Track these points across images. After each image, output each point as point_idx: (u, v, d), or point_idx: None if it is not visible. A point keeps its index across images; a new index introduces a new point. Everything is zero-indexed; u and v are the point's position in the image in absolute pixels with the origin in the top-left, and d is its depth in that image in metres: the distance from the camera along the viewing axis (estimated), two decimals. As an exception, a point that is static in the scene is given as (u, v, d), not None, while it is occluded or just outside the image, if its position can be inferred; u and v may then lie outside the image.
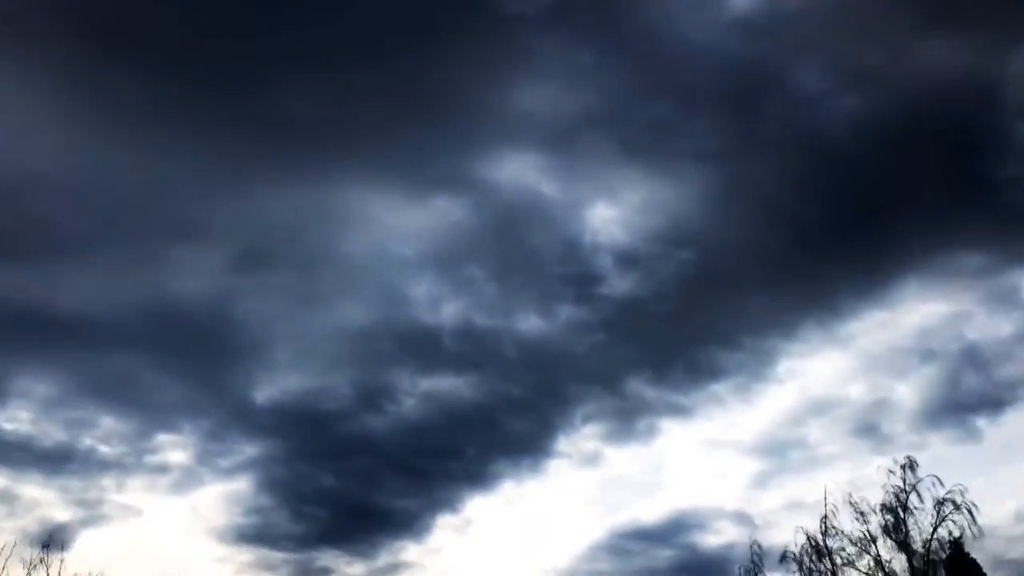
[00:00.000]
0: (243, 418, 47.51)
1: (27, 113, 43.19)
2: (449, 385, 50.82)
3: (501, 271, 52.78)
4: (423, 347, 50.79)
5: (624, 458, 52.95)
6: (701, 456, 53.29)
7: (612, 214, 53.17)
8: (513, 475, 50.76)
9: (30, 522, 36.60)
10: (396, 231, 50.88)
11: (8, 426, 42.13)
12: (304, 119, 47.81)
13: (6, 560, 21.33)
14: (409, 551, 46.86)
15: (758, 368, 50.80)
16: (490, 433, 51.41)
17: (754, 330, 50.89)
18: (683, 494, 52.86)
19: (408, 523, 47.60)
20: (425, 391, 50.12)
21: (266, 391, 48.45)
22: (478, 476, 50.55)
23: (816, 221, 49.02)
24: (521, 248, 52.50)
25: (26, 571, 21.81)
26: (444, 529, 48.63)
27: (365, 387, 49.47)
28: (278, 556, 43.21)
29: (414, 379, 50.13)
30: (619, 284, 52.03)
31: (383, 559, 45.42)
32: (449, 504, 49.07)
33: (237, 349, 48.81)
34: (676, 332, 51.74)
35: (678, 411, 51.10)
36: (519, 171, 51.42)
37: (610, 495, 53.85)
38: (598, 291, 52.20)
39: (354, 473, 48.12)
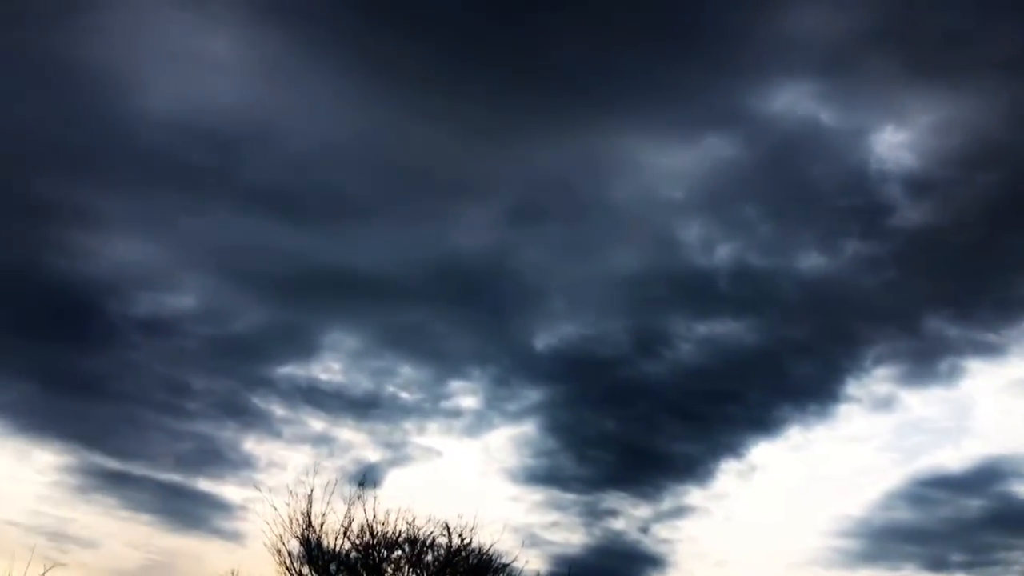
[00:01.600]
0: (526, 365, 49.35)
1: (318, 90, 46.99)
2: (727, 329, 49.59)
3: (778, 208, 50.33)
4: (698, 291, 49.87)
5: (922, 402, 49.09)
6: (1016, 399, 48.27)
7: (901, 138, 48.67)
8: (799, 420, 48.87)
9: (347, 462, 40.48)
10: (665, 174, 49.92)
11: (324, 376, 46.82)
12: (569, 69, 48.03)
13: (330, 495, 23.74)
14: (693, 495, 46.68)
15: (1084, 299, 44.99)
16: (772, 377, 49.75)
17: (1079, 256, 44.99)
18: (995, 440, 48.28)
19: (691, 468, 47.38)
20: (702, 336, 49.29)
21: (545, 339, 49.92)
22: (761, 421, 49.20)
23: None
24: (799, 182, 49.65)
25: (346, 505, 24.04)
26: (728, 474, 47.88)
27: (641, 333, 49.51)
28: (567, 497, 44.64)
29: (690, 324, 49.45)
30: (912, 214, 47.80)
31: (668, 502, 45.58)
32: (732, 449, 48.18)
33: (516, 299, 50.61)
34: (981, 263, 46.84)
35: (986, 350, 46.52)
36: (793, 100, 48.39)
37: (907, 441, 50.33)
38: (888, 223, 48.30)
39: (635, 418, 48.55)
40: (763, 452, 48.81)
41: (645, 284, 49.32)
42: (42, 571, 20.26)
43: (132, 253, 46.42)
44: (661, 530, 43.96)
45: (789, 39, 46.57)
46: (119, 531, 41.40)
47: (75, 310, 45.22)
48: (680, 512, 44.98)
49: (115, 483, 42.65)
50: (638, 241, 51.02)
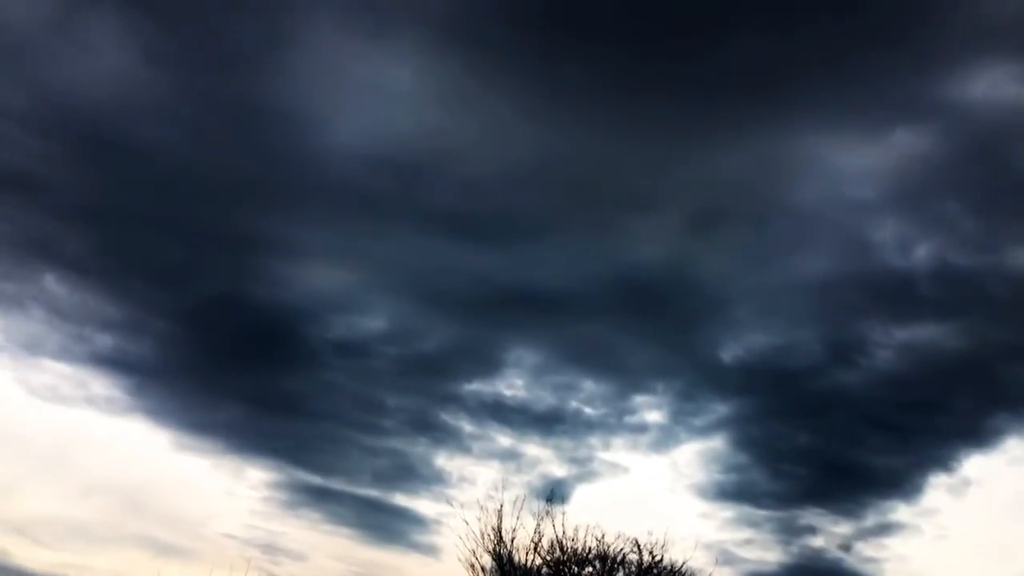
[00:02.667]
0: (712, 377, 48.12)
1: (493, 112, 47.91)
2: (929, 334, 46.39)
3: (982, 202, 46.66)
4: (894, 295, 47.03)
5: None
6: None
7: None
8: (1017, 431, 44.86)
9: (534, 477, 40.81)
10: (852, 172, 47.43)
11: (508, 392, 47.49)
12: (745, 64, 46.57)
13: (519, 510, 23.90)
14: (899, 512, 43.92)
15: None
16: (983, 385, 46.03)
17: None
18: None
19: (895, 482, 44.62)
20: (902, 342, 46.34)
21: (732, 350, 48.50)
22: (974, 432, 45.56)
23: None
24: (1005, 172, 45.81)
25: (536, 520, 24.10)
26: (938, 489, 44.67)
27: (834, 341, 47.20)
28: (760, 513, 43.09)
29: (887, 330, 46.63)
30: None
31: (871, 519, 43.12)
32: (941, 463, 44.92)
33: (699, 310, 49.48)
34: None
35: None
36: (994, 85, 44.74)
37: None
38: (1112, 211, 43.84)
39: (830, 430, 46.30)
40: (977, 465, 45.19)
41: (837, 289, 46.99)
42: (257, 582, 21.59)
43: (325, 279, 49.01)
44: (865, 548, 41.63)
45: (986, 17, 43.22)
46: (324, 544, 43.63)
47: (276, 335, 48.26)
48: (886, 529, 42.41)
49: (319, 498, 45.03)
50: (827, 244, 48.72)
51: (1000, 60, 44.58)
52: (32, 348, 45.15)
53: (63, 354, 45.03)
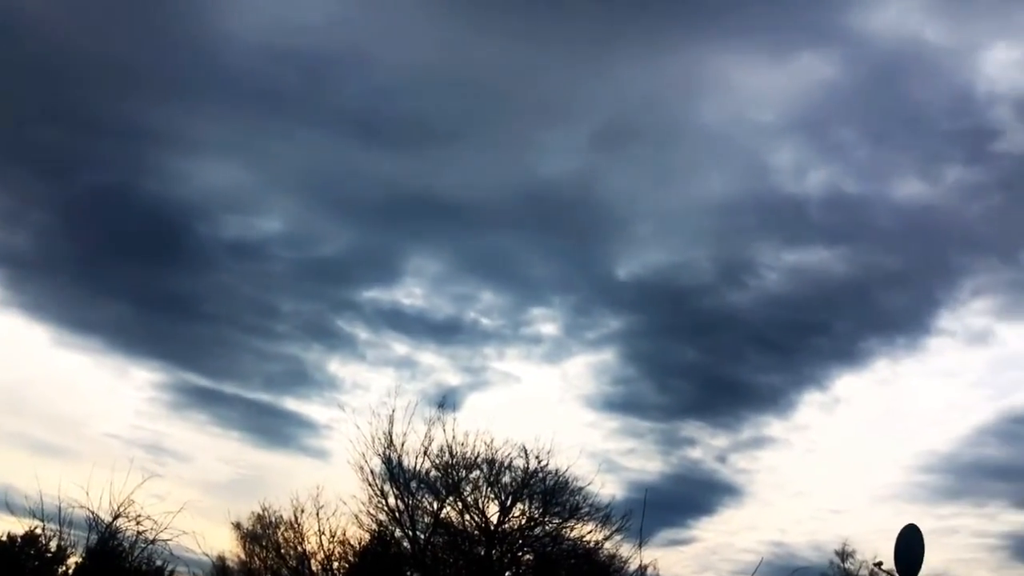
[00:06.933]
0: (607, 293, 48.88)
1: (404, 10, 46.28)
2: (816, 258, 48.22)
3: (876, 132, 48.26)
4: (787, 219, 48.44)
5: (1020, 336, 47.42)
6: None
7: (1015, 56, 45.89)
8: (887, 353, 47.68)
9: (428, 385, 40.99)
10: (755, 95, 48.09)
11: (406, 301, 47.27)
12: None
13: (411, 416, 23.83)
14: (773, 427, 46.22)
15: None
16: (862, 308, 48.45)
17: None
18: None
19: (772, 399, 46.72)
20: (790, 265, 48.02)
21: (628, 266, 49.28)
22: (848, 354, 48.10)
23: None
24: (901, 104, 47.42)
25: (427, 426, 24.11)
26: (810, 406, 47.17)
27: (726, 262, 48.43)
28: (644, 424, 44.52)
29: (778, 253, 48.13)
30: (1021, 138, 45.17)
31: (746, 433, 45.15)
32: (816, 381, 47.35)
33: (600, 226, 49.88)
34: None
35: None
36: (897, 16, 45.93)
37: (1002, 376, 48.95)
38: (994, 148, 45.98)
39: (716, 348, 47.84)
40: (848, 384, 47.97)
41: (733, 211, 48.04)
42: (140, 482, 21.06)
43: (220, 176, 47.24)
44: (739, 460, 43.68)
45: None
46: (211, 446, 43.09)
47: (166, 232, 46.43)
48: (759, 443, 44.55)
49: (207, 400, 44.29)
50: (728, 165, 49.62)
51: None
52: None
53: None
